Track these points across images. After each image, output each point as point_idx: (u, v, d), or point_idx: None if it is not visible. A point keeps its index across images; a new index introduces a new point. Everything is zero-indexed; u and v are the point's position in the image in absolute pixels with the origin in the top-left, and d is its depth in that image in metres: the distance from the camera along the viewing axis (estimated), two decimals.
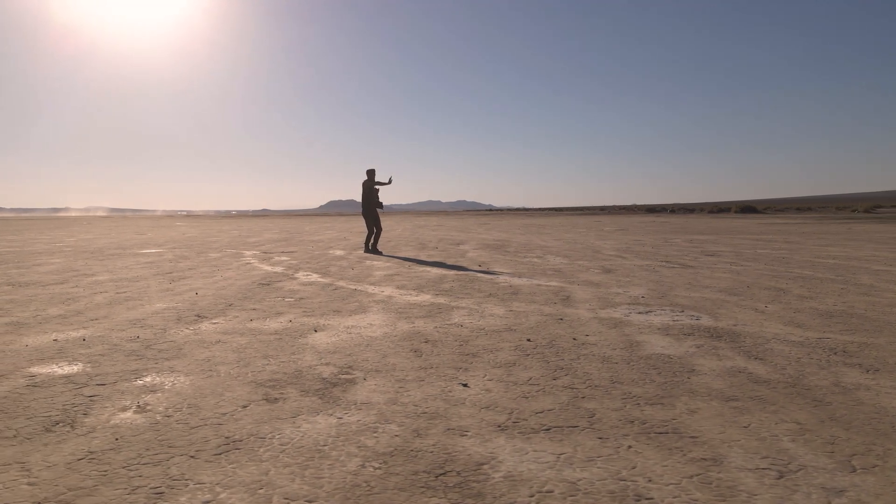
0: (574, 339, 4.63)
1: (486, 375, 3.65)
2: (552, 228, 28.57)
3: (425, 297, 6.81)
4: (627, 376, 3.60)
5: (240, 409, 3.06)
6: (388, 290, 7.41)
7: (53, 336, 4.84)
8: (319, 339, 4.72)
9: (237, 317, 5.69)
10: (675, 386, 3.40)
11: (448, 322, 5.35)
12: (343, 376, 3.66)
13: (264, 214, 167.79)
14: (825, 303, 6.16)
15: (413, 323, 5.34)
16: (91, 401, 3.21)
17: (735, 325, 5.08)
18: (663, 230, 24.78)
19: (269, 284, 8.10)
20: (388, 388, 3.42)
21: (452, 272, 9.44)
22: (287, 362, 4.00)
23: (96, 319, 5.56)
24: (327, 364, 3.95)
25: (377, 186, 13.67)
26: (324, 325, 5.28)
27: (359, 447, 2.57)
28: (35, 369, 3.84)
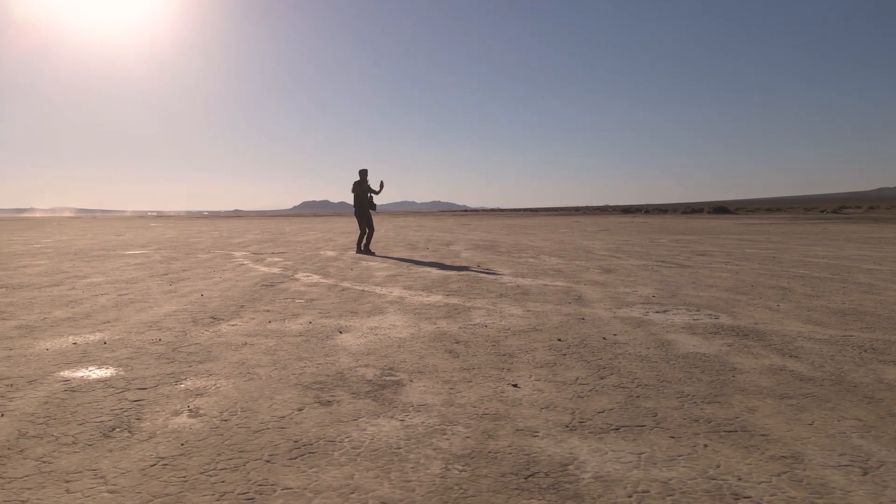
0: (604, 338, 4.65)
1: (531, 376, 3.64)
2: (535, 229, 28.71)
3: (437, 298, 6.78)
4: (673, 375, 3.62)
5: (296, 413, 3.01)
6: (396, 291, 7.36)
7: (71, 339, 4.72)
8: (347, 340, 4.67)
9: (253, 318, 5.61)
10: (723, 384, 3.43)
11: (471, 322, 5.33)
12: (387, 378, 3.62)
13: (237, 215, 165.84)
14: (834, 301, 6.28)
15: (436, 324, 5.31)
16: (139, 405, 3.12)
17: (756, 324, 5.15)
18: (645, 230, 25.07)
19: (272, 286, 8.00)
20: (438, 389, 3.39)
21: (454, 273, 9.42)
22: (324, 364, 3.95)
23: (108, 322, 5.43)
24: (366, 366, 3.90)
25: (370, 194, 13.55)
26: (346, 326, 5.22)
27: (434, 450, 2.54)
28: (66, 373, 3.73)
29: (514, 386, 3.43)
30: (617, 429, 2.75)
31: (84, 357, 4.15)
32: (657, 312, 5.74)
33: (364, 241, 13.71)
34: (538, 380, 3.56)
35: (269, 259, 12.35)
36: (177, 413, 3.01)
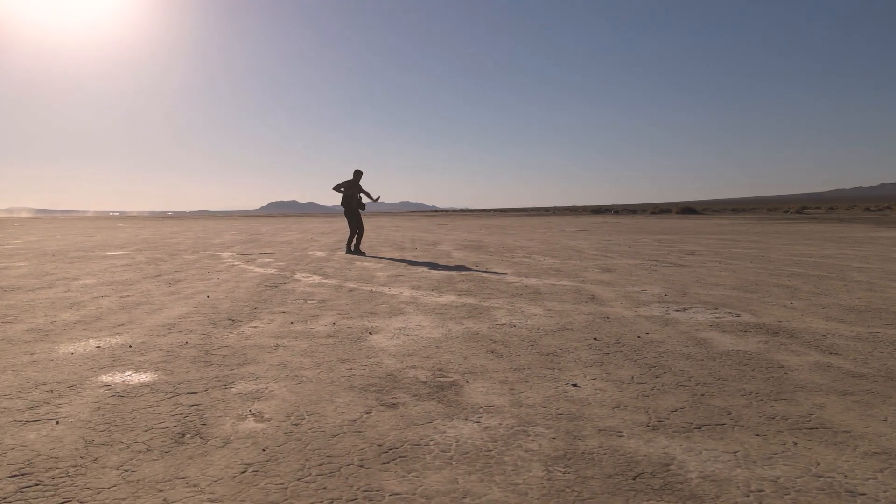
0: (638, 337, 4.65)
1: (585, 375, 3.62)
2: (513, 229, 28.81)
3: (450, 298, 6.73)
4: (726, 373, 3.64)
5: (366, 416, 2.94)
6: (405, 292, 7.29)
7: (93, 343, 4.55)
8: (381, 341, 4.59)
9: (273, 320, 5.48)
10: (780, 382, 3.46)
11: (498, 323, 5.29)
12: (442, 379, 3.56)
13: (203, 215, 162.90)
14: (842, 299, 6.40)
15: (462, 324, 5.26)
16: (197, 410, 3.01)
17: (780, 322, 5.22)
18: (623, 230, 25.35)
19: (276, 286, 7.85)
20: (499, 390, 3.35)
21: (455, 273, 9.38)
22: (369, 366, 3.87)
23: (123, 325, 5.25)
24: (414, 367, 3.84)
25: (361, 194, 13.43)
26: (373, 327, 5.14)
27: (526, 451, 2.50)
28: (105, 378, 3.58)
29: (574, 385, 3.40)
30: (699, 427, 2.74)
31: (116, 361, 4.00)
32: (677, 311, 5.78)
33: (354, 242, 13.58)
34: (594, 379, 3.54)
35: (259, 260, 12.14)
36: (241, 418, 2.91)
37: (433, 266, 10.48)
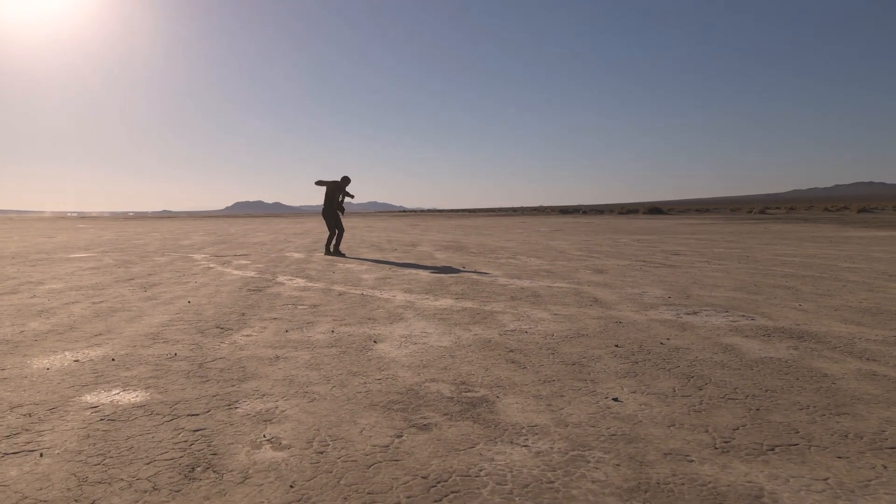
0: (661, 343, 4.41)
1: (622, 387, 3.34)
2: (488, 229, 28.61)
3: (448, 302, 6.41)
4: (771, 384, 3.40)
5: (398, 440, 2.60)
6: (399, 295, 6.95)
7: (70, 356, 4.11)
8: (389, 351, 4.26)
9: (265, 328, 5.10)
10: (833, 393, 3.23)
11: (507, 329, 5.00)
12: (469, 394, 3.25)
13: (167, 216, 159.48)
14: (849, 300, 6.27)
15: (470, 330, 4.95)
16: (203, 437, 2.64)
17: (798, 326, 5.03)
18: (599, 231, 25.34)
19: (260, 290, 7.43)
20: (536, 406, 3.05)
21: (444, 275, 9.06)
22: (385, 380, 3.54)
23: (101, 335, 4.81)
24: (434, 380, 3.51)
25: (343, 195, 13.03)
26: (376, 335, 4.80)
27: (594, 482, 2.20)
28: (89, 398, 3.18)
29: (616, 400, 3.12)
30: (772, 449, 2.48)
31: (99, 378, 3.58)
32: (688, 314, 5.57)
33: (334, 243, 13.17)
34: (634, 392, 3.26)
35: (235, 262, 11.64)
36: (256, 445, 2.55)
37: (419, 268, 10.15)
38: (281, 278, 8.76)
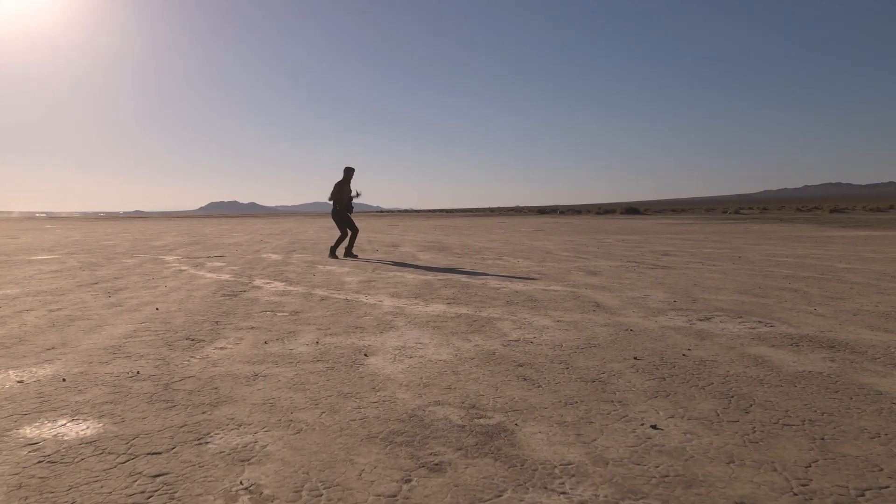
0: (683, 355, 3.99)
1: (657, 411, 2.90)
2: (468, 230, 28.18)
3: (439, 308, 5.95)
4: (823, 404, 2.99)
5: (406, 486, 2.13)
6: (386, 300, 6.46)
7: (13, 376, 3.56)
8: (383, 366, 3.77)
9: (242, 339, 4.58)
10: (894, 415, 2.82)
11: (510, 338, 4.55)
12: (483, 421, 2.78)
13: (139, 216, 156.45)
14: (864, 304, 5.93)
15: (469, 340, 4.49)
16: (165, 485, 2.14)
17: (823, 333, 4.65)
18: (580, 231, 25.06)
19: (235, 295, 6.89)
20: (563, 436, 2.59)
21: (431, 277, 8.59)
22: (382, 403, 3.05)
23: (54, 348, 4.25)
24: (438, 403, 3.04)
25: (352, 194, 12.17)
26: (366, 346, 4.31)
27: None
28: (29, 432, 2.65)
29: (655, 428, 2.68)
30: (862, 494, 2.05)
31: (45, 404, 3.05)
32: (701, 320, 5.17)
33: (346, 244, 12.30)
34: (672, 416, 2.82)
35: (209, 264, 11.04)
36: (231, 497, 2.06)
37: (404, 269, 9.66)
38: (258, 281, 8.21)
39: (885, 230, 21.38)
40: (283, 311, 5.78)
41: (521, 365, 3.77)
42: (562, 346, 4.29)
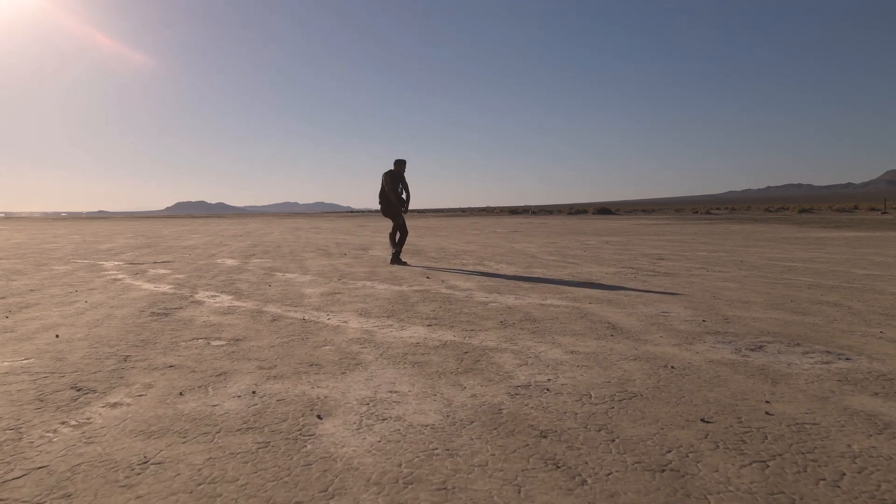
0: (767, 413, 2.85)
1: None
2: (441, 231, 26.99)
3: (418, 332, 4.76)
4: None
5: None
6: (352, 321, 5.25)
7: None
8: (341, 440, 2.56)
9: (150, 387, 3.32)
10: None
11: (517, 382, 3.37)
12: None
13: (101, 216, 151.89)
14: None
15: (462, 386, 3.31)
16: None
17: None
18: (558, 232, 24.06)
19: (166, 314, 5.59)
20: None
21: (406, 287, 7.38)
22: None
23: None
24: None
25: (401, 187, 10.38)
26: (320, 399, 3.10)
27: None
28: None
29: None
30: None
31: None
32: (752, 350, 4.07)
33: (396, 248, 10.50)
34: None
35: (152, 271, 9.66)
36: None
37: (375, 278, 8.43)
38: (201, 294, 6.90)
39: (869, 231, 20.78)
40: (219, 340, 4.52)
41: (543, 435, 2.58)
42: (590, 395, 3.12)
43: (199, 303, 6.34)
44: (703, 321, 5.10)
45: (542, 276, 8.59)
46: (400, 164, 10.35)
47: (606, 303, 6.10)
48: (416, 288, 7.36)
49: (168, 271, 9.64)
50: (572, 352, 4.08)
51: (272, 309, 5.90)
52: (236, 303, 6.32)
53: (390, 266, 10.19)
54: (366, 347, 4.25)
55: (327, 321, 5.25)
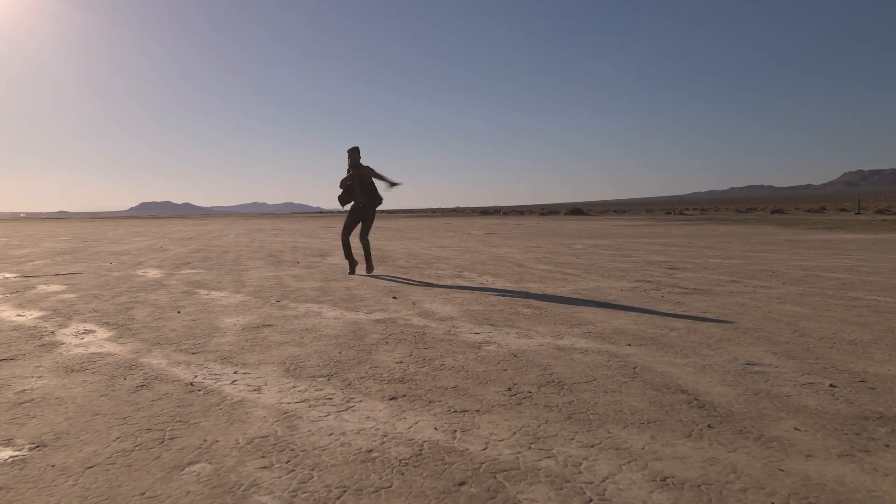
0: None
1: None
2: (412, 232, 24.97)
3: (377, 412, 2.78)
4: None
5: None
6: (268, 386, 3.25)
7: None
8: None
9: None
10: None
11: None
12: None
13: (62, 217, 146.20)
14: None
15: None
16: None
17: None
18: (537, 234, 22.23)
19: None
20: None
21: (364, 315, 5.39)
22: None
23: None
24: None
25: (375, 178, 8.66)
26: None
27: None
28: None
29: None
30: None
31: None
32: None
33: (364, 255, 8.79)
34: None
35: (40, 288, 7.48)
36: None
37: (325, 299, 6.40)
38: (70, 329, 4.82)
39: (870, 233, 19.37)
40: (20, 439, 2.45)
41: None
42: None
43: (54, 345, 4.26)
44: (832, 386, 3.21)
45: (539, 292, 6.68)
46: (353, 153, 8.65)
47: (653, 344, 4.20)
48: (377, 316, 5.36)
49: (62, 288, 7.47)
50: (661, 477, 2.13)
51: (154, 360, 3.85)
52: (109, 346, 4.25)
53: (347, 277, 8.15)
54: (269, 470, 2.23)
55: (228, 389, 3.23)
